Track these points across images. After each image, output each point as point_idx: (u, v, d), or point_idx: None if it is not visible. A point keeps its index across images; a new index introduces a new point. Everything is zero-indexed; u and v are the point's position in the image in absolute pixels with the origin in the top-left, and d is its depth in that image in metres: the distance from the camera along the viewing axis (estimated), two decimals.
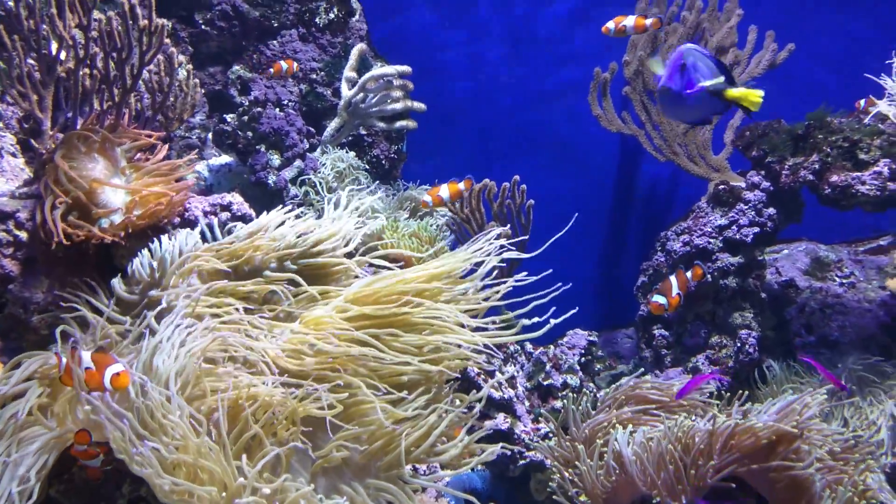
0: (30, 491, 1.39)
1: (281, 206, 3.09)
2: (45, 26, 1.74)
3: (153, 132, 1.90)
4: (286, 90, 3.60)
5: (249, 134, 3.46)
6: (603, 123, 3.25)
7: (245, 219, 1.99)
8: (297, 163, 3.40)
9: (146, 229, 1.84)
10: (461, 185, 2.45)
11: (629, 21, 2.56)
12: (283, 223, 1.91)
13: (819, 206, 2.94)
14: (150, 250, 1.80)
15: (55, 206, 1.73)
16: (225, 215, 1.93)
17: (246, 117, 3.48)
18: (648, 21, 2.57)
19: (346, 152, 3.51)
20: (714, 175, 3.04)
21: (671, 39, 2.97)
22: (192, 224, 1.91)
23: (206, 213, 1.95)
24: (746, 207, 2.89)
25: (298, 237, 1.89)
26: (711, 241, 2.95)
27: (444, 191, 2.45)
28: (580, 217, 1.88)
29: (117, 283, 1.78)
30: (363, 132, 3.59)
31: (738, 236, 2.90)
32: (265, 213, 1.96)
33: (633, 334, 3.76)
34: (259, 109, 3.49)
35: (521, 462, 2.63)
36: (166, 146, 1.91)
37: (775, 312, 3.17)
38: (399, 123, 3.50)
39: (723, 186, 2.95)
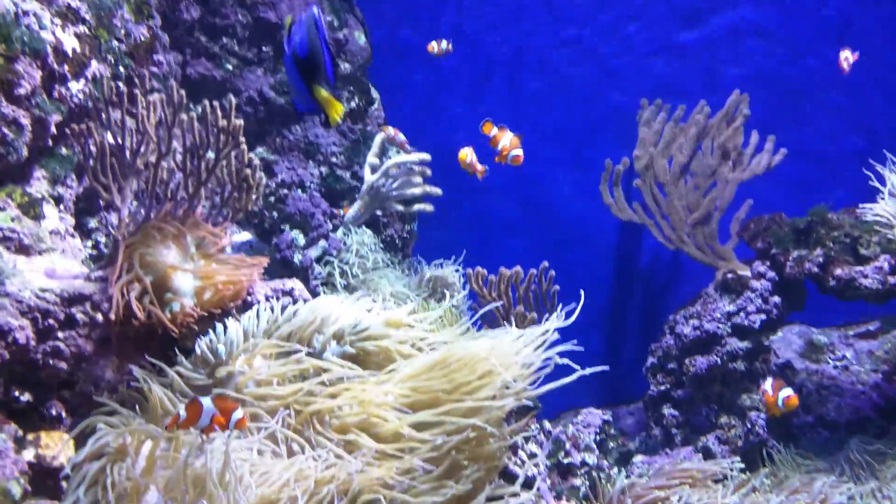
0: None
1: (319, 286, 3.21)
2: (129, 119, 1.88)
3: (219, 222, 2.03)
4: (308, 172, 3.77)
5: (275, 214, 3.61)
6: (614, 212, 3.45)
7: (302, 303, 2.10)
8: (322, 242, 3.53)
9: (212, 313, 1.94)
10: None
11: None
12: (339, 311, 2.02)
13: (818, 294, 3.13)
14: (216, 333, 1.90)
15: (130, 289, 1.83)
16: (286, 300, 2.04)
17: (272, 198, 3.63)
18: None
19: (366, 233, 3.66)
20: (721, 263, 3.23)
21: (680, 138, 3.20)
22: (253, 307, 2.01)
23: (268, 298, 2.06)
24: (753, 295, 3.07)
25: (354, 324, 2.00)
26: (721, 326, 3.11)
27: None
28: (586, 296, 1.99)
29: (184, 365, 1.87)
30: (379, 213, 3.74)
31: (746, 322, 3.07)
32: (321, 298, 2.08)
33: (636, 411, 3.86)
34: (286, 191, 3.65)
35: None
36: (229, 237, 2.03)
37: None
38: (416, 207, 3.66)
39: (731, 275, 3.14)
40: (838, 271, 2.79)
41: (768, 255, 3.11)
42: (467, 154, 2.85)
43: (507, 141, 2.61)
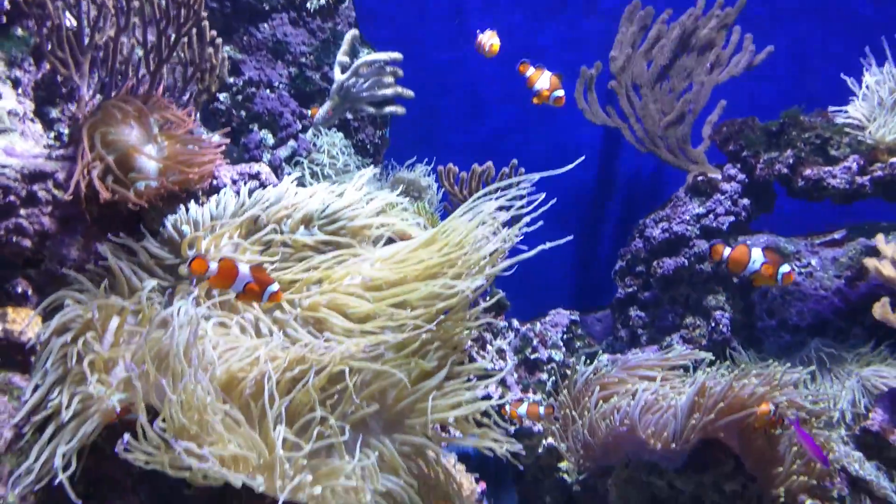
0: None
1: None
2: None
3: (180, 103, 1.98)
4: (276, 73, 3.67)
5: (243, 113, 3.53)
6: (587, 116, 3.42)
7: (272, 188, 2.07)
8: (291, 143, 3.47)
9: (177, 194, 1.91)
10: None
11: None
12: (310, 193, 2.00)
13: (787, 198, 3.17)
14: (181, 214, 1.88)
15: (92, 168, 1.79)
16: (253, 183, 2.01)
17: (240, 97, 3.54)
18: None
19: (337, 135, 3.61)
20: (692, 167, 3.24)
21: (662, 40, 3.16)
22: (220, 191, 1.98)
23: (234, 181, 2.03)
24: (723, 197, 3.10)
25: (323, 206, 1.99)
26: (689, 228, 3.15)
27: None
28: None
29: (151, 243, 1.85)
30: (350, 117, 3.67)
31: (714, 224, 3.11)
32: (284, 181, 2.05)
33: (604, 318, 3.95)
34: (253, 90, 3.56)
35: (511, 429, 2.78)
36: (194, 118, 1.98)
37: (742, 298, 3.39)
38: (388, 109, 3.59)
39: (701, 177, 3.15)
40: (807, 171, 2.82)
41: (739, 158, 3.13)
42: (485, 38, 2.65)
43: (545, 82, 2.48)
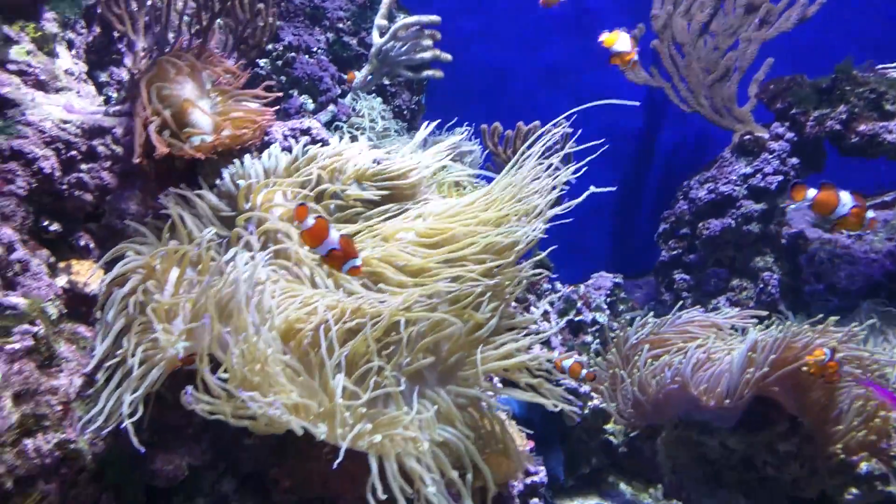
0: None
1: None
2: None
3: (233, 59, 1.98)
4: (314, 38, 3.66)
5: (283, 78, 3.53)
6: (629, 77, 3.37)
7: (323, 144, 2.08)
8: (331, 107, 3.47)
9: (231, 150, 1.92)
10: None
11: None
12: (360, 150, 2.01)
13: (836, 157, 3.10)
14: (237, 167, 1.89)
15: (150, 122, 1.81)
16: (305, 139, 2.02)
17: (279, 62, 3.53)
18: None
19: (375, 100, 3.60)
20: (738, 126, 3.18)
21: None
22: (272, 146, 1.99)
23: (286, 137, 2.03)
24: (771, 157, 3.04)
25: (374, 163, 1.99)
26: (736, 188, 3.10)
27: None
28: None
29: (209, 194, 1.87)
30: (386, 82, 3.65)
31: (762, 184, 3.06)
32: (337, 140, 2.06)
33: (644, 284, 3.92)
34: (293, 54, 3.55)
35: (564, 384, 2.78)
36: (247, 73, 1.99)
37: (789, 260, 3.33)
38: (426, 73, 3.56)
39: (748, 137, 3.10)
40: (862, 127, 2.75)
41: (787, 116, 3.06)
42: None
43: (625, 43, 2.32)
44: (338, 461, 1.47)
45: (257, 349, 1.55)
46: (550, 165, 1.98)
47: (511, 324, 1.97)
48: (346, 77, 3.57)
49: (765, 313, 2.46)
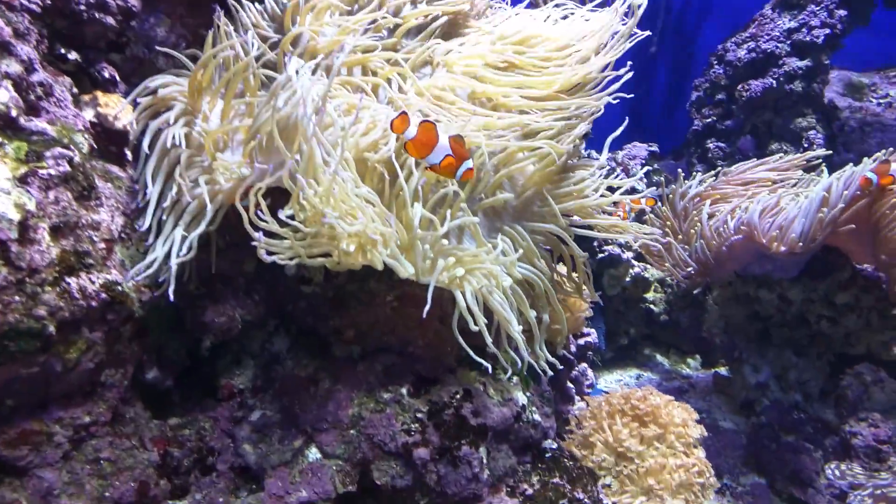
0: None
1: None
2: None
3: None
4: None
5: None
6: None
7: None
8: None
9: None
10: None
11: None
12: None
13: (884, 9, 2.93)
14: None
15: None
16: None
17: None
18: None
19: None
20: None
21: None
22: None
23: None
24: (818, 8, 2.86)
25: None
26: (779, 45, 2.92)
27: None
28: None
29: (251, 11, 1.65)
30: None
31: (808, 38, 2.88)
32: None
33: (666, 166, 3.78)
34: None
35: (599, 256, 2.66)
36: None
37: (826, 127, 3.20)
38: None
39: None
40: None
41: None
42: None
43: None
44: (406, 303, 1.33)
45: (334, 186, 1.37)
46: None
47: (585, 163, 1.83)
48: None
49: (828, 152, 2.33)
